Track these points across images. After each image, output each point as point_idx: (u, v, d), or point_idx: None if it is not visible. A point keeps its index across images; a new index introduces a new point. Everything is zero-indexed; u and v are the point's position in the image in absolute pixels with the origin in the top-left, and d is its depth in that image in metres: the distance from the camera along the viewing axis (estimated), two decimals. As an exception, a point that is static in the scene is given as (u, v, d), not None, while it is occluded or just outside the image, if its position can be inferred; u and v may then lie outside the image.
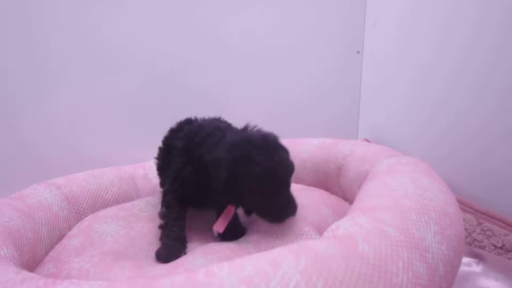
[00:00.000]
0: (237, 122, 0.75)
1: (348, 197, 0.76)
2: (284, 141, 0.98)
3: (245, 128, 0.65)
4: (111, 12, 1.00)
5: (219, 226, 0.62)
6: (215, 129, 0.65)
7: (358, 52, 1.21)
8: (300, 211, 0.66)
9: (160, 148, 0.77)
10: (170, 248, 0.59)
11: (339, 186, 0.80)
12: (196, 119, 0.75)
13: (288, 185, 0.61)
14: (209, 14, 1.08)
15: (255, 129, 0.65)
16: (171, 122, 0.78)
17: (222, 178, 0.57)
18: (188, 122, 0.75)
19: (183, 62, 1.09)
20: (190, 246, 0.62)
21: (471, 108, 0.85)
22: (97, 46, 1.01)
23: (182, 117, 0.78)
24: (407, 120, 1.06)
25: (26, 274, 0.40)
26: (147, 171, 0.95)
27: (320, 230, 0.62)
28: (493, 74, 0.78)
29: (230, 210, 0.64)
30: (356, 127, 1.29)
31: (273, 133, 0.63)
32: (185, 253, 0.59)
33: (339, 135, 1.03)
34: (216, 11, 1.08)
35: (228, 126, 0.69)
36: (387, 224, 0.44)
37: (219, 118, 0.77)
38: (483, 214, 0.83)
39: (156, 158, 0.78)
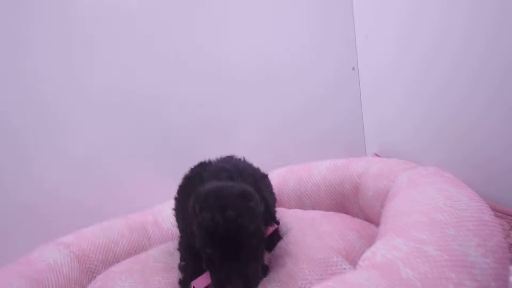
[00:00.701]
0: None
1: (371, 218, 0.72)
2: (294, 167, 0.98)
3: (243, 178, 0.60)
4: (111, 52, 1.01)
5: (199, 283, 0.54)
6: (217, 170, 0.61)
7: (353, 69, 1.20)
8: (324, 239, 0.62)
9: (175, 198, 0.72)
10: None
11: (359, 207, 0.76)
12: (210, 162, 0.70)
13: (241, 255, 0.49)
14: (205, 41, 1.08)
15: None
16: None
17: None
18: (201, 165, 0.70)
19: (179, 90, 1.08)
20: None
21: (484, 111, 0.82)
22: (94, 88, 1.01)
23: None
24: (418, 131, 1.03)
25: None
26: (156, 216, 0.91)
27: (349, 258, 0.58)
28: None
29: None
30: (363, 144, 1.26)
31: (247, 189, 0.54)
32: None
33: (348, 154, 1.00)
34: (210, 38, 1.09)
35: (234, 169, 0.63)
36: (426, 243, 0.40)
37: (232, 156, 0.73)
38: (514, 216, 0.78)
39: (173, 208, 0.73)
